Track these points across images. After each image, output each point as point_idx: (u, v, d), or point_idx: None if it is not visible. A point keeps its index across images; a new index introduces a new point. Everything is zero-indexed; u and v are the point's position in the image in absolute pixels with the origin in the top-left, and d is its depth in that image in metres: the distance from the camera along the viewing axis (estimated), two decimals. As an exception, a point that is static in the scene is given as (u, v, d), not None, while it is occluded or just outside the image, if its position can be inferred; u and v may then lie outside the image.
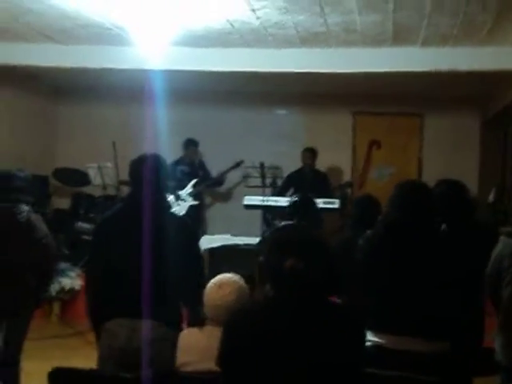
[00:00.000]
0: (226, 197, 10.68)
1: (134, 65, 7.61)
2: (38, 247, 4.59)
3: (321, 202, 8.22)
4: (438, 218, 4.29)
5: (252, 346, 2.54)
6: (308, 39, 6.92)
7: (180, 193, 9.59)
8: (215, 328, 3.14)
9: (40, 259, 4.58)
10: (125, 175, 9.00)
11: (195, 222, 9.43)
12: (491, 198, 8.86)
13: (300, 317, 2.52)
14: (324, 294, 2.64)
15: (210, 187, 10.15)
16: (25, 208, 4.61)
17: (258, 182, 9.30)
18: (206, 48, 7.39)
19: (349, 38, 6.81)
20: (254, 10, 5.89)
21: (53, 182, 9.83)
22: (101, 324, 3.71)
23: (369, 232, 4.06)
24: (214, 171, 9.96)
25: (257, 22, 6.28)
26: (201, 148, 10.04)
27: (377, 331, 3.77)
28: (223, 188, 10.39)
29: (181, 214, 9.58)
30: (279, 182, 9.77)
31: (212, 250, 7.63)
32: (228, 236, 8.02)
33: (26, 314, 4.66)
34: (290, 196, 9.23)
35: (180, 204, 9.64)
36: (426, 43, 6.94)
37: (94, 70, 8.31)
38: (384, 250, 3.82)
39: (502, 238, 3.82)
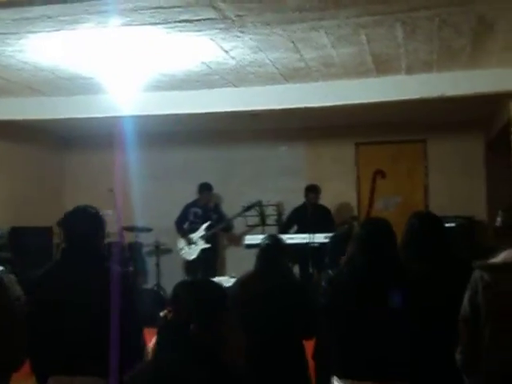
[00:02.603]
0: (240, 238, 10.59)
1: (122, 112, 7.60)
2: (11, 310, 4.52)
3: (323, 237, 8.15)
4: (409, 254, 4.18)
5: None
6: (290, 75, 6.87)
7: (191, 236, 9.56)
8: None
9: (13, 322, 4.51)
10: (126, 221, 9.16)
11: (207, 265, 9.38)
12: (499, 221, 8.63)
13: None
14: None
15: (222, 231, 10.07)
16: (-3, 268, 4.55)
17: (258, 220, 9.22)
18: (190, 90, 7.39)
19: (330, 71, 6.73)
20: (226, 51, 5.85)
21: (58, 232, 9.83)
22: (44, 380, 3.67)
23: (331, 273, 3.95)
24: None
25: (233, 62, 6.23)
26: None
27: (340, 376, 3.70)
28: (238, 230, 10.28)
29: (191, 257, 9.56)
30: (284, 219, 9.68)
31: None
32: (226, 278, 7.90)
33: (3, 377, 4.58)
34: (294, 233, 9.21)
35: (191, 248, 9.59)
36: (410, 71, 6.84)
37: (91, 119, 8.35)
38: (348, 295, 3.73)
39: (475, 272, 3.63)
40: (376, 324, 3.60)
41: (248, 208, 9.39)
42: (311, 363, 4.87)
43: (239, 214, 9.56)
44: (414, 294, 3.67)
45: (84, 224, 3.75)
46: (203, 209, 9.81)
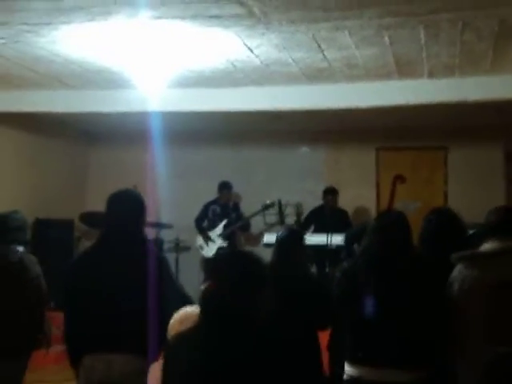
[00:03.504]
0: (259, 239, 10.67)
1: (148, 107, 7.74)
2: (30, 288, 4.66)
3: (340, 239, 8.22)
4: (426, 251, 4.25)
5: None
6: (313, 75, 6.97)
7: (210, 233, 9.68)
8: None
9: (31, 300, 4.65)
10: (149, 217, 9.29)
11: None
12: None
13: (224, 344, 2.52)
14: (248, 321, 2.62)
15: (239, 230, 10.17)
16: (18, 249, 4.71)
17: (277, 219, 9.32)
18: (215, 88, 7.52)
19: (353, 72, 6.83)
20: (251, 49, 5.96)
21: (79, 225, 9.99)
22: (78, 360, 3.76)
23: (345, 264, 4.04)
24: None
25: (257, 61, 6.35)
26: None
27: (354, 364, 3.76)
28: (256, 230, 10.37)
29: (209, 255, 9.67)
30: (303, 219, 9.77)
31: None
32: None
33: (21, 356, 4.71)
34: (311, 233, 9.30)
35: (209, 245, 9.72)
36: (432, 75, 6.92)
37: (118, 114, 8.49)
38: (362, 284, 3.80)
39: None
40: (389, 312, 3.68)
41: (266, 207, 9.48)
42: (326, 354, 4.97)
43: (257, 213, 9.66)
44: (427, 283, 3.74)
45: (127, 206, 3.85)
46: (222, 207, 9.92)
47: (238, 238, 10.36)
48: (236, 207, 10.13)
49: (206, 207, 9.98)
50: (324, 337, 5.01)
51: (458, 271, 3.58)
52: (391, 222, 3.95)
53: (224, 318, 2.56)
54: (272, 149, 10.61)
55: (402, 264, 3.77)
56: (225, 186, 9.95)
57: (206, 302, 2.63)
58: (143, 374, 3.54)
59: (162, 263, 3.85)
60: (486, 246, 3.59)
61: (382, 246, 3.82)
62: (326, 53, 6.12)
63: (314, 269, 8.64)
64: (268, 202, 9.52)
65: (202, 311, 2.66)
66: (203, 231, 9.80)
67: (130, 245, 3.79)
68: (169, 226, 9.93)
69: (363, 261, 3.88)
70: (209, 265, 3.13)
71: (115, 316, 3.65)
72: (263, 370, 2.57)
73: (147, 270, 3.66)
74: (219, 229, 9.70)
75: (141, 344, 3.60)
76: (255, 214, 9.72)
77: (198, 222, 9.93)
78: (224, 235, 9.69)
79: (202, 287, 2.72)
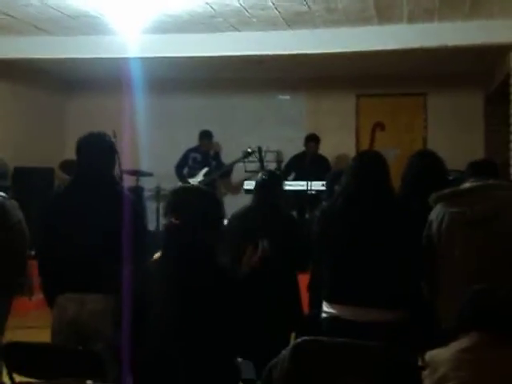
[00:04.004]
0: (239, 186, 10.70)
1: (127, 53, 7.65)
2: (12, 232, 4.66)
3: (320, 185, 8.28)
4: (407, 191, 4.30)
5: None
6: (292, 20, 6.93)
7: (190, 181, 9.66)
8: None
9: (14, 244, 4.65)
10: (128, 165, 9.29)
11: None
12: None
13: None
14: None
15: (220, 177, 10.18)
16: (0, 194, 4.69)
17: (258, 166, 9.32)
18: (194, 33, 7.46)
19: (333, 17, 6.80)
20: (229, -10, 5.92)
21: (60, 174, 9.94)
22: (53, 300, 3.81)
23: (324, 204, 4.07)
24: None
25: (236, 3, 6.29)
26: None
27: (333, 302, 3.80)
28: (237, 178, 10.41)
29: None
30: (283, 167, 9.80)
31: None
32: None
33: (3, 298, 4.73)
34: (292, 180, 9.36)
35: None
36: (412, 19, 6.91)
37: (96, 60, 8.40)
38: (341, 222, 3.83)
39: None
40: (367, 251, 3.71)
41: (247, 155, 9.48)
42: (306, 295, 5.03)
43: (238, 161, 9.65)
44: (407, 225, 3.75)
45: (98, 148, 3.86)
46: (203, 155, 9.91)
47: (218, 185, 10.37)
48: (216, 156, 10.12)
49: (187, 154, 9.96)
50: (305, 278, 5.08)
51: (437, 210, 3.63)
52: (368, 161, 3.95)
53: (182, 249, 2.72)
54: (252, 97, 10.57)
55: (379, 202, 3.78)
56: (205, 135, 9.92)
57: (166, 235, 2.82)
58: (115, 312, 3.59)
59: (133, 205, 3.85)
60: (465, 185, 3.65)
61: (359, 184, 3.81)
62: (305, -5, 6.09)
63: (294, 214, 8.70)
64: (248, 149, 9.51)
65: (163, 244, 2.81)
66: (183, 178, 9.79)
67: (100, 186, 3.81)
68: (149, 174, 9.92)
69: (341, 200, 3.90)
70: (169, 200, 3.22)
71: (86, 256, 3.68)
72: (216, 299, 2.82)
73: (118, 211, 3.67)
74: (199, 176, 9.70)
75: (112, 284, 3.62)
76: (236, 161, 9.71)
77: (179, 168, 9.92)
78: (204, 183, 9.67)
79: (164, 222, 2.88)
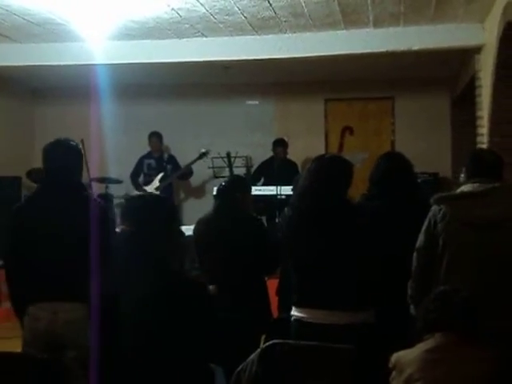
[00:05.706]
0: (200, 190, 10.68)
1: (93, 60, 7.61)
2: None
3: (290, 190, 8.28)
4: (374, 191, 4.33)
5: None
6: (259, 25, 6.94)
7: (146, 188, 9.61)
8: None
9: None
10: (97, 173, 9.25)
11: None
12: (462, 177, 8.83)
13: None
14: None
15: (179, 179, 10.16)
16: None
17: (227, 172, 9.33)
18: (161, 40, 7.45)
19: (299, 22, 6.82)
20: (195, -4, 5.91)
21: (27, 182, 9.87)
22: (23, 310, 3.76)
23: (286, 209, 4.07)
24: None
25: (202, 9, 6.28)
26: (170, 143, 10.26)
27: (299, 306, 3.81)
28: (196, 182, 10.39)
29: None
30: (252, 172, 9.81)
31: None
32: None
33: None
34: (261, 185, 9.37)
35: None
36: (377, 24, 6.95)
37: (63, 68, 8.32)
38: (301, 227, 3.82)
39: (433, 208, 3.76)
40: (328, 254, 3.70)
41: (202, 155, 9.50)
42: (275, 299, 5.04)
43: (194, 162, 9.65)
44: (364, 226, 3.76)
45: (65, 154, 3.84)
46: (157, 160, 9.89)
47: (176, 190, 10.30)
48: (170, 159, 10.05)
49: (141, 161, 9.94)
50: (274, 282, 5.09)
51: (440, 210, 3.60)
52: (324, 164, 3.90)
53: (136, 255, 2.74)
54: (221, 102, 10.58)
55: (335, 205, 3.76)
56: (152, 135, 9.92)
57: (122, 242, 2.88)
58: (87, 320, 3.56)
59: (103, 211, 3.83)
60: (467, 187, 3.63)
61: (315, 187, 3.78)
62: (271, 0, 6.09)
63: (264, 219, 8.71)
64: (202, 150, 9.54)
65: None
66: (138, 186, 9.75)
67: (68, 191, 3.79)
68: (118, 181, 9.86)
69: (299, 205, 3.89)
70: (122, 210, 3.30)
71: (58, 263, 3.65)
72: (168, 301, 2.85)
73: (88, 216, 3.65)
74: (155, 182, 9.65)
75: (84, 292, 3.60)
76: (191, 163, 9.71)
77: (133, 177, 9.88)
78: (160, 188, 9.61)
79: (118, 230, 2.95)
